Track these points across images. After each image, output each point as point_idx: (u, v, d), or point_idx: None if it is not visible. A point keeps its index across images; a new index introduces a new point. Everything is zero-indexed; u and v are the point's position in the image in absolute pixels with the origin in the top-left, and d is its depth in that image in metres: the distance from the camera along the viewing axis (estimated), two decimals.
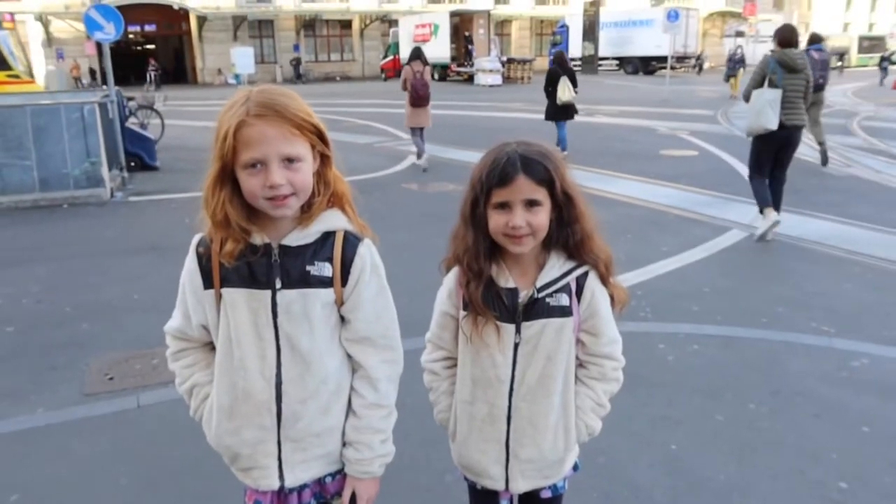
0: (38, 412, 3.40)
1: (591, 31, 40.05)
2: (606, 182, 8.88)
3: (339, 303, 1.49)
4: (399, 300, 1.59)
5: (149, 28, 38.40)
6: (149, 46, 42.08)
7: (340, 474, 1.57)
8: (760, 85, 6.10)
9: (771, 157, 6.22)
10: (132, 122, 11.63)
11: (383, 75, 39.33)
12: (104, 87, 10.50)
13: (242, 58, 31.66)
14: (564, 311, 1.57)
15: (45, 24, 35.56)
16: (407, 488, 2.66)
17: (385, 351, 1.54)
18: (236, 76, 31.43)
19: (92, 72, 34.33)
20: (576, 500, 2.38)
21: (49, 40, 35.81)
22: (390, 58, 38.73)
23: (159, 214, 7.71)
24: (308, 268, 1.44)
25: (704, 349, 4.01)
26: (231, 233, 1.40)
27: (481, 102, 22.08)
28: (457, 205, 1.62)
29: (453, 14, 36.11)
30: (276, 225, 1.44)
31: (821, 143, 9.86)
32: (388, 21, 43.31)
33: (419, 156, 10.47)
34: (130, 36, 37.67)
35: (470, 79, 33.61)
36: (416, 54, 10.48)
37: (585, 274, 1.59)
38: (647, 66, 38.90)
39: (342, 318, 1.52)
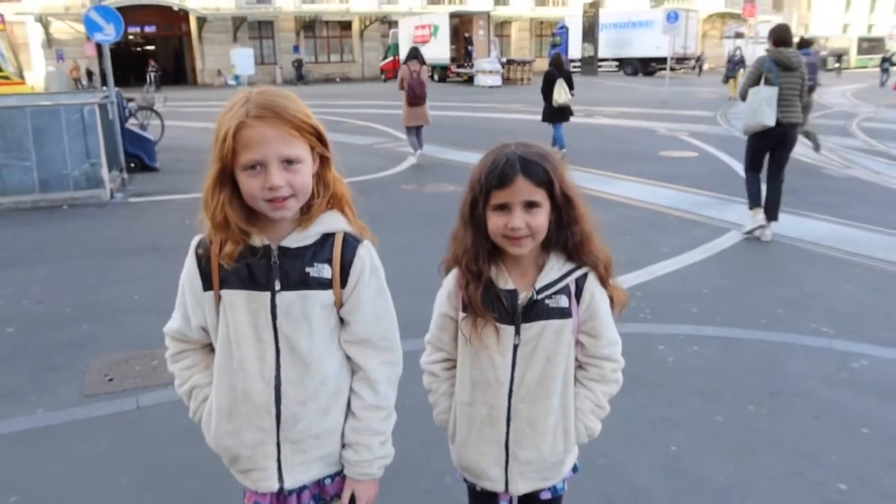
0: (38, 413, 3.40)
1: (590, 33, 40.03)
2: (606, 183, 8.88)
3: (339, 304, 1.49)
4: (398, 301, 1.58)
5: (149, 29, 38.41)
6: (149, 47, 42.10)
7: (340, 476, 1.57)
8: (756, 83, 6.11)
9: (766, 154, 6.26)
10: (132, 123, 11.64)
11: (383, 76, 39.28)
12: (104, 87, 10.50)
13: (242, 59, 31.72)
14: (564, 313, 1.57)
15: (45, 26, 35.58)
16: (406, 490, 2.66)
17: (384, 353, 1.54)
18: (236, 77, 31.44)
19: (89, 73, 34.28)
20: (575, 501, 2.38)
21: (49, 41, 35.84)
22: (390, 59, 38.69)
23: (159, 215, 7.71)
24: (307, 269, 1.44)
25: (704, 350, 4.01)
26: (230, 234, 1.40)
27: (481, 103, 22.08)
28: (456, 206, 1.62)
29: (453, 15, 36.13)
30: (275, 226, 1.44)
31: (807, 134, 10.04)
32: (388, 22, 43.33)
33: (414, 151, 10.70)
34: (130, 37, 37.65)
35: (470, 80, 33.62)
36: (413, 54, 10.65)
37: (585, 275, 1.58)
38: (646, 67, 38.95)
39: (341, 320, 1.52)
